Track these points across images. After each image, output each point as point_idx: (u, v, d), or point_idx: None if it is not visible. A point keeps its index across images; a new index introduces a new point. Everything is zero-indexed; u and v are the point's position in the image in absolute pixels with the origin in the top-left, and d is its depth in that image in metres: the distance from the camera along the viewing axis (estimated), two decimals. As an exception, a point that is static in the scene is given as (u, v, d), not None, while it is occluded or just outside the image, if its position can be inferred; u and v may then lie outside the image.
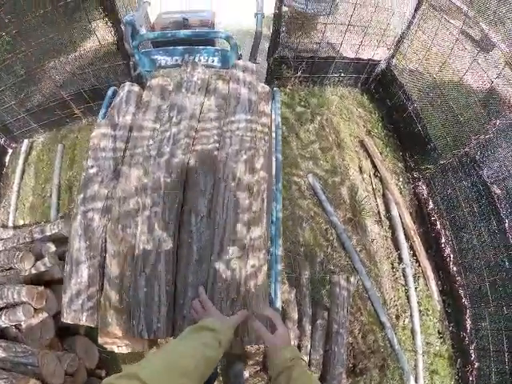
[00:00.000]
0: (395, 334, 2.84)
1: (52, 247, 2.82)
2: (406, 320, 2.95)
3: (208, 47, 2.63)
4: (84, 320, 1.81)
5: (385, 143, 3.75)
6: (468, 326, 2.89)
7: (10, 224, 3.73)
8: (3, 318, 2.46)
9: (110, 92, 2.52)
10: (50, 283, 2.73)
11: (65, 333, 2.70)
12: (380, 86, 3.99)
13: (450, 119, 3.19)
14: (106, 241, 1.87)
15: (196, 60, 2.59)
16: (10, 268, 2.83)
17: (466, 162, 2.99)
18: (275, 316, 1.36)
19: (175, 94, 2.17)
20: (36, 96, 3.70)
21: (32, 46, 3.23)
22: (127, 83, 2.40)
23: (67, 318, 1.80)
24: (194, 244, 1.69)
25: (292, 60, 3.59)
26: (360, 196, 3.36)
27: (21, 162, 3.89)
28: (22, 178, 3.80)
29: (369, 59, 3.74)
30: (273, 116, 2.32)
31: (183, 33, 2.56)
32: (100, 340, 1.72)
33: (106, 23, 3.21)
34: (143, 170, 1.88)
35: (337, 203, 3.32)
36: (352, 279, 2.77)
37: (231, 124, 1.92)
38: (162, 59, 2.63)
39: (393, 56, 3.73)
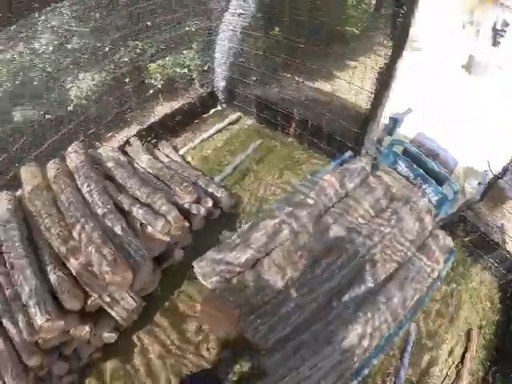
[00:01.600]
0: None
1: (209, 203, 3.39)
2: None
3: (437, 185, 2.99)
4: (210, 281, 2.41)
5: (485, 346, 3.78)
6: None
7: (180, 152, 4.59)
8: (140, 211, 3.06)
9: (347, 154, 3.19)
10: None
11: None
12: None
13: None
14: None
15: (423, 187, 3.03)
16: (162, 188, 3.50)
17: None
18: None
19: (402, 205, 2.70)
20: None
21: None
22: (364, 160, 3.05)
23: (199, 271, 2.41)
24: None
25: (468, 225, 3.86)
26: (434, 371, 3.45)
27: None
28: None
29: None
30: (438, 266, 2.73)
31: (430, 164, 2.99)
32: (201, 306, 2.31)
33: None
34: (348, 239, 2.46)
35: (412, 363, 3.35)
36: None
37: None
38: (400, 166, 3.11)
39: None
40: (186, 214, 3.20)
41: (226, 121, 5.13)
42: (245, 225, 3.83)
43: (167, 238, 3.04)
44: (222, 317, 2.34)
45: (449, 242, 2.93)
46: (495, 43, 8.14)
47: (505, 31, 8.00)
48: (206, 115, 5.38)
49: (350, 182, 2.85)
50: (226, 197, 3.52)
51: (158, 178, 3.82)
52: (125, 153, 4.45)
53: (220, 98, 5.39)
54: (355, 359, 2.09)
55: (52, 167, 3.57)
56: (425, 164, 3.07)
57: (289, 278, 2.26)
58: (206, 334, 3.10)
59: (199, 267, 2.35)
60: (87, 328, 2.68)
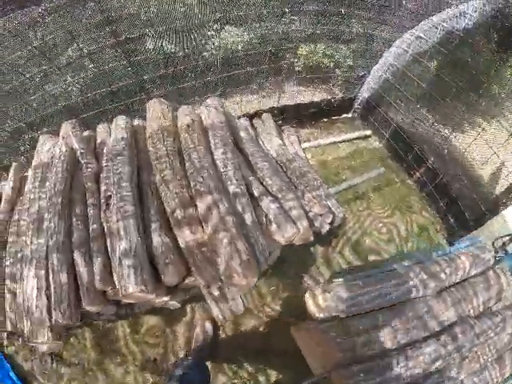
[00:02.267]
0: None
1: (329, 220, 3.18)
2: None
3: None
4: (325, 314, 2.51)
5: None
6: None
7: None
8: (272, 206, 2.79)
9: (479, 239, 3.21)
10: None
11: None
12: None
13: None
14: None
15: None
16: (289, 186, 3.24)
17: None
18: None
19: (511, 316, 2.76)
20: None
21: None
22: (492, 252, 3.05)
23: (321, 301, 2.46)
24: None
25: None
26: None
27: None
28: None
29: None
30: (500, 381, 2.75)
31: None
32: (302, 331, 2.45)
33: None
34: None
35: None
36: None
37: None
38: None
39: None
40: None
41: (356, 134, 4.96)
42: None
43: (284, 243, 2.73)
44: (319, 351, 2.27)
45: None
46: None
47: None
48: (335, 118, 5.26)
49: (475, 270, 2.84)
50: (341, 218, 3.27)
51: (282, 168, 3.57)
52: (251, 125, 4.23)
53: (356, 107, 5.24)
54: None
55: (185, 114, 3.12)
56: None
57: (399, 343, 2.34)
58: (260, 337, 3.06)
59: (323, 298, 2.40)
60: (166, 298, 2.40)
